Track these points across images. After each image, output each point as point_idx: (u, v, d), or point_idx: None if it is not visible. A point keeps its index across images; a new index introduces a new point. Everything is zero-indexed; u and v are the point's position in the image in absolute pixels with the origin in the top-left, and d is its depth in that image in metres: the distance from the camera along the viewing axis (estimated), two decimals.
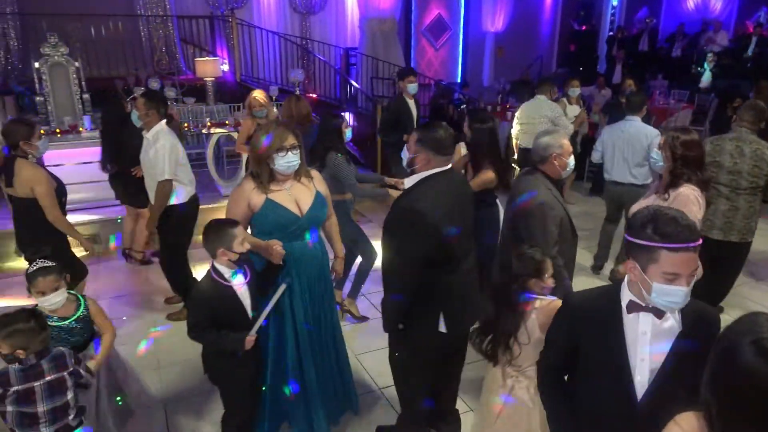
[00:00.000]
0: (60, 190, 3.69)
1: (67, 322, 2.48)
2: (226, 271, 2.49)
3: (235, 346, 2.48)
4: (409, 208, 2.40)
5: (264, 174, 2.68)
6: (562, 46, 15.75)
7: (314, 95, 10.51)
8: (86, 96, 6.85)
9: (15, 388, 2.13)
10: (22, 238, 3.75)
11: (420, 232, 2.34)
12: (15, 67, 9.67)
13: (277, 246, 2.61)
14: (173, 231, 4.22)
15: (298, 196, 2.76)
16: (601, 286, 1.93)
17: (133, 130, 4.72)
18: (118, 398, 2.70)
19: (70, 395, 2.26)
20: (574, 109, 7.12)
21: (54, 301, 2.41)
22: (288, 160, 2.66)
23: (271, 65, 11.03)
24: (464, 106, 9.94)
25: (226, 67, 10.41)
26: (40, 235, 3.55)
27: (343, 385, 3.16)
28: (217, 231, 2.43)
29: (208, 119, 7.02)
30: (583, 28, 16.04)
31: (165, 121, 4.08)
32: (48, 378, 2.18)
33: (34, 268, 2.40)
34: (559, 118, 6.28)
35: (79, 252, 4.07)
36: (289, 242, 2.70)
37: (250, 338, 2.48)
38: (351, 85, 10.74)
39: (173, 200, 4.10)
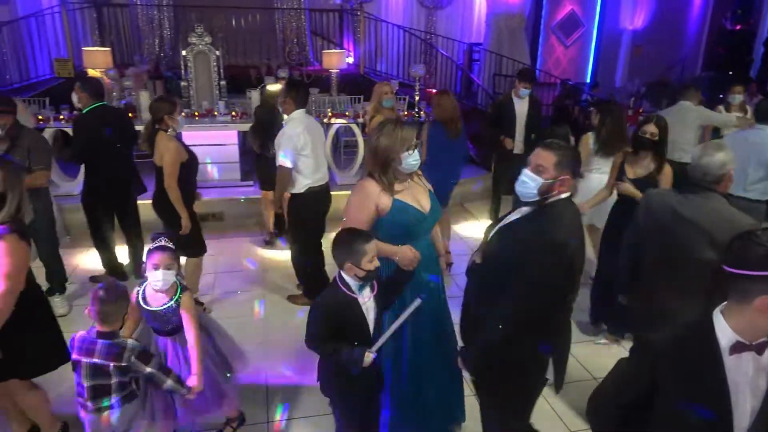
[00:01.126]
0: (191, 163, 4.07)
1: (157, 308, 2.57)
2: (353, 283, 2.35)
3: (354, 362, 2.29)
4: (548, 238, 2.13)
5: (390, 175, 2.60)
6: (710, 47, 14.31)
7: (433, 90, 10.48)
8: (223, 83, 7.36)
9: (73, 355, 2.37)
10: (156, 205, 4.15)
11: (557, 265, 2.10)
12: (166, 54, 10.66)
13: (410, 252, 2.55)
14: (291, 219, 4.42)
15: (416, 194, 2.70)
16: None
17: (279, 116, 5.01)
18: (228, 374, 2.86)
19: (114, 380, 2.35)
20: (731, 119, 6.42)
21: (161, 278, 2.47)
22: (415, 158, 2.61)
23: (394, 59, 11.17)
24: (592, 108, 9.38)
25: (350, 60, 10.70)
26: (167, 205, 3.95)
27: (454, 394, 3.04)
28: (349, 244, 2.29)
29: (329, 109, 7.24)
30: (738, 27, 14.45)
31: (304, 109, 4.24)
32: (94, 360, 2.32)
33: (155, 244, 2.53)
34: (712, 118, 5.81)
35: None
36: (412, 242, 2.64)
37: (369, 356, 2.29)
38: (472, 81, 10.58)
39: (292, 189, 4.25)
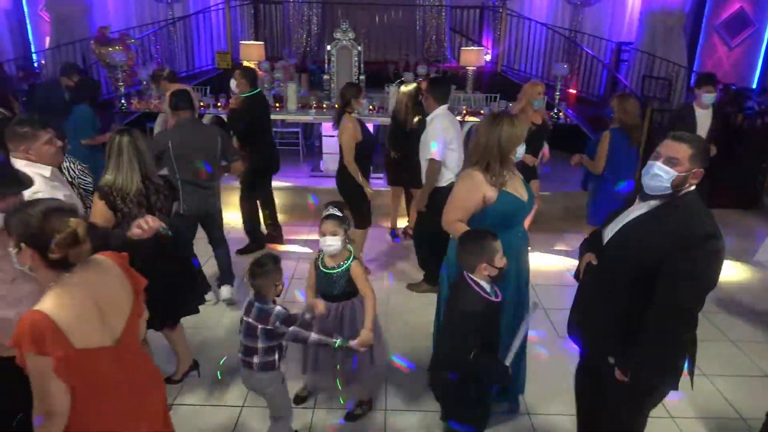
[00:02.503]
0: (365, 144, 4.48)
1: (331, 271, 2.82)
2: (486, 286, 2.35)
3: (502, 376, 2.32)
4: (703, 229, 2.05)
5: (503, 167, 2.68)
6: None
7: (574, 91, 9.99)
8: (362, 77, 7.60)
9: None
10: (338, 180, 4.66)
11: (716, 255, 2.04)
12: (312, 49, 11.26)
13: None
14: (430, 211, 4.45)
15: (515, 183, 2.77)
16: None
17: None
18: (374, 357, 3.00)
19: (260, 344, 2.53)
20: None
21: (328, 243, 2.75)
22: (524, 149, 2.74)
23: (534, 57, 10.79)
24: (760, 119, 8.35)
25: (488, 57, 10.53)
26: (346, 179, 4.49)
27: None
28: (481, 243, 2.31)
29: (464, 107, 7.19)
30: None
31: (446, 105, 4.30)
32: (247, 319, 2.55)
33: (327, 212, 2.79)
34: None
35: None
36: (510, 230, 2.68)
37: (509, 368, 2.31)
38: (618, 82, 9.91)
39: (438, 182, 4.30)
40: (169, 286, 2.98)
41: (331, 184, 6.76)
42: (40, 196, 2.37)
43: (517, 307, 2.85)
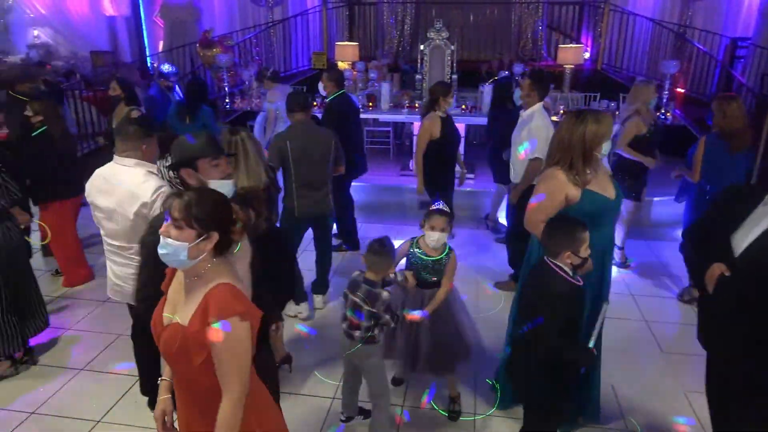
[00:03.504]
0: (444, 143, 4.50)
1: (428, 259, 2.87)
2: (569, 271, 2.33)
3: (587, 360, 2.33)
4: None
5: (585, 165, 2.59)
6: None
7: (682, 90, 9.32)
8: (455, 76, 7.54)
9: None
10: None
11: None
12: (404, 49, 11.33)
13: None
14: (519, 208, 4.36)
15: (602, 181, 2.68)
16: None
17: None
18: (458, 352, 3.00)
19: (364, 322, 2.62)
20: None
21: (436, 238, 2.82)
22: (609, 146, 2.64)
23: (638, 55, 10.19)
24: None
25: (586, 55, 10.09)
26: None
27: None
28: (569, 232, 2.29)
29: (561, 107, 6.93)
30: None
31: (542, 103, 4.20)
32: (354, 297, 2.63)
33: (435, 207, 2.83)
34: None
35: None
36: (597, 230, 2.55)
37: (593, 351, 2.30)
38: (733, 80, 9.13)
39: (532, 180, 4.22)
40: (275, 280, 3.08)
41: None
42: (165, 188, 2.58)
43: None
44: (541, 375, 2.38)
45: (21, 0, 11.45)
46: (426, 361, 2.94)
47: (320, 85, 5.30)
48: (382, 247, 2.62)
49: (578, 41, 10.51)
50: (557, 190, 2.60)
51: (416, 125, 6.96)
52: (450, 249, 2.93)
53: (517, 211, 4.38)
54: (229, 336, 1.56)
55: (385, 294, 2.61)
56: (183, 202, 1.61)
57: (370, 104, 6.91)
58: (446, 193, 4.76)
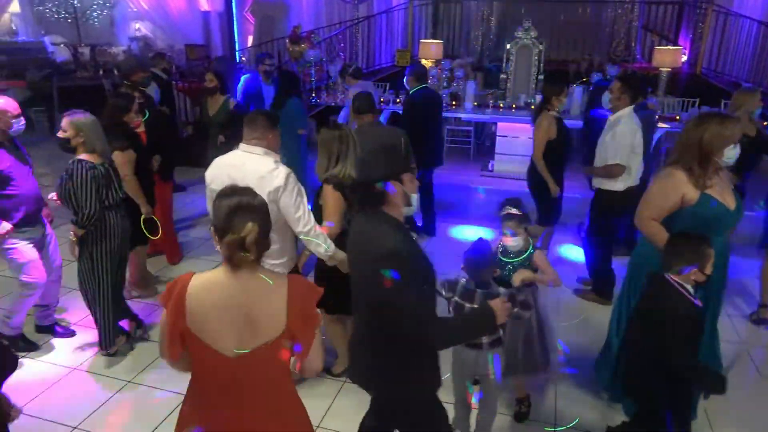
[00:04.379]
0: (559, 144, 4.38)
1: (511, 260, 2.81)
2: (690, 289, 2.26)
3: (718, 386, 2.24)
4: None
5: (706, 167, 2.54)
6: None
7: None
8: (541, 76, 7.34)
9: (454, 297, 2.55)
10: (528, 174, 4.64)
11: None
12: (489, 47, 11.14)
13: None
14: (598, 214, 4.22)
15: (723, 189, 2.61)
16: None
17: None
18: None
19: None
20: None
21: (511, 243, 2.79)
22: (734, 152, 2.58)
23: (743, 58, 9.50)
24: None
25: (684, 58, 9.52)
26: (536, 174, 4.49)
27: None
28: (695, 247, 2.23)
29: (658, 112, 6.57)
30: None
31: (633, 107, 4.02)
32: (472, 305, 2.48)
33: (506, 211, 2.77)
34: None
35: None
36: (711, 237, 2.44)
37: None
38: None
39: (611, 185, 4.05)
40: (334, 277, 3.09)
41: (500, 185, 6.69)
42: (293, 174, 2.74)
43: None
44: (665, 392, 2.31)
45: None
46: (522, 361, 2.84)
47: (405, 80, 5.40)
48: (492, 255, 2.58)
49: (675, 43, 9.93)
50: (672, 190, 2.58)
51: (501, 126, 6.85)
52: (532, 247, 2.83)
53: (600, 219, 4.22)
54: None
55: (503, 290, 2.51)
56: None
57: (454, 103, 6.83)
58: (559, 198, 4.63)
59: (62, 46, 11.37)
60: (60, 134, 3.17)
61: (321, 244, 2.80)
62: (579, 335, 3.86)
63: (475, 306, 2.49)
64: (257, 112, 2.93)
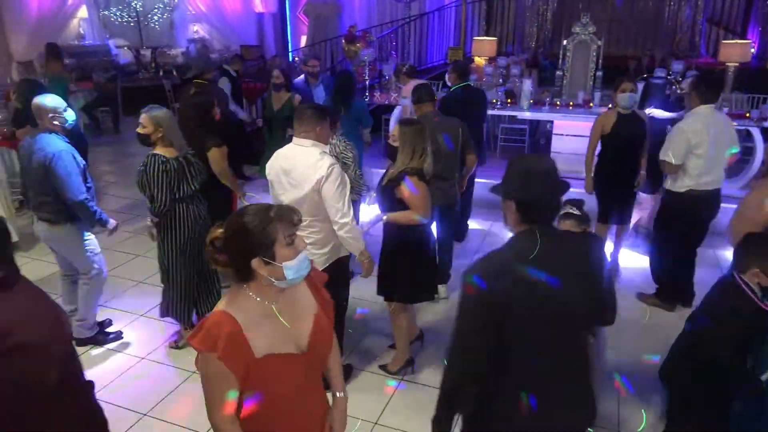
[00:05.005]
0: (618, 137, 4.28)
1: None
2: (758, 292, 2.17)
3: (750, 387, 2.17)
4: None
5: None
6: None
7: None
8: (599, 73, 7.13)
9: None
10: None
11: None
12: (543, 44, 10.92)
13: None
14: (659, 216, 4.11)
15: None
16: None
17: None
18: None
19: None
20: None
21: None
22: None
23: None
24: None
25: (752, 52, 9.05)
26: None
27: None
28: (762, 247, 2.16)
29: (725, 109, 6.27)
30: None
31: (712, 105, 3.86)
32: None
33: (564, 210, 2.69)
34: None
35: None
36: None
37: None
38: None
39: (671, 185, 3.92)
40: (414, 268, 3.14)
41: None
42: (337, 165, 2.84)
43: None
44: (700, 386, 2.27)
45: None
46: None
47: (446, 77, 5.40)
48: None
49: (743, 36, 9.46)
50: None
51: (556, 123, 6.69)
52: None
53: (662, 220, 4.08)
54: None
55: None
56: None
57: (509, 101, 6.73)
58: (618, 197, 4.46)
59: (125, 48, 11.88)
60: (139, 130, 3.29)
61: (358, 239, 2.89)
62: (639, 341, 3.74)
63: None
64: (305, 106, 3.04)
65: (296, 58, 11.38)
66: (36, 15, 10.61)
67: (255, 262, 1.50)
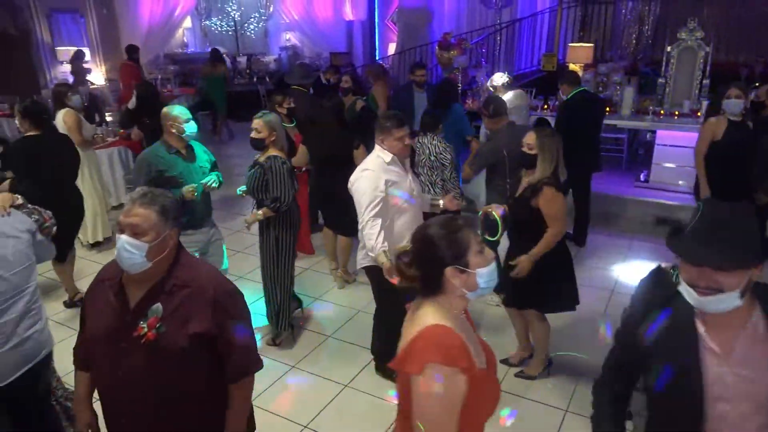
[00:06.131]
0: (728, 145, 4.15)
1: None
2: None
3: None
4: None
5: None
6: None
7: None
8: (706, 81, 6.72)
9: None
10: None
11: None
12: (644, 50, 10.41)
13: None
14: None
15: None
16: None
17: None
18: None
19: None
20: None
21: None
22: None
23: None
24: None
25: None
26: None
27: None
28: None
29: None
30: None
31: None
32: None
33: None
34: None
35: None
36: None
37: None
38: None
39: None
40: (557, 279, 3.17)
41: (656, 197, 6.21)
42: (368, 172, 2.96)
43: None
44: None
45: (280, 8, 13.19)
46: None
47: (559, 91, 5.46)
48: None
49: None
50: None
51: (659, 133, 6.36)
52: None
53: None
54: None
55: None
56: None
57: (608, 109, 6.47)
58: None
59: (224, 56, 12.55)
60: (254, 135, 3.44)
61: (371, 239, 2.93)
62: None
63: None
64: (380, 116, 3.23)
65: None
66: (147, 25, 11.45)
67: (449, 271, 1.46)
